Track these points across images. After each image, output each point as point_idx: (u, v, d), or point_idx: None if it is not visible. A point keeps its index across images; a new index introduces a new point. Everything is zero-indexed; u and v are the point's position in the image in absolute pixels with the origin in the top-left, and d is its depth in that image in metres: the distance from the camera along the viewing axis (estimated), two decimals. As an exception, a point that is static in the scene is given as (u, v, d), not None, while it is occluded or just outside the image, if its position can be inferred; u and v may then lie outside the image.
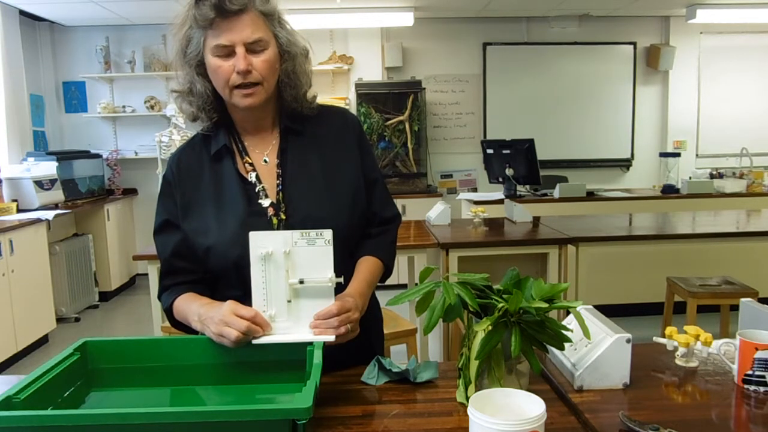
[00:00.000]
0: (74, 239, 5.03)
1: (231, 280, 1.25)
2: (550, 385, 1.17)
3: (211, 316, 1.12)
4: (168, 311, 1.31)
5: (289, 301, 1.13)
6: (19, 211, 4.41)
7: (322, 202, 1.27)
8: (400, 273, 4.38)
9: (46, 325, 4.29)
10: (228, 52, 1.19)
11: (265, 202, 1.26)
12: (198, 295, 1.26)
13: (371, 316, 1.38)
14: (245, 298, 1.14)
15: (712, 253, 4.20)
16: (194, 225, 1.27)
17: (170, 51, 1.31)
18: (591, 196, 4.70)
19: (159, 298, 1.33)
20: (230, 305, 1.11)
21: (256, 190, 1.27)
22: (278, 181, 1.28)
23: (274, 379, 1.15)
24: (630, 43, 6.22)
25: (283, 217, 1.26)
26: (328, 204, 1.27)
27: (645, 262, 4.29)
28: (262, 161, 1.31)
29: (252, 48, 1.19)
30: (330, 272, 1.11)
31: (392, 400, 1.13)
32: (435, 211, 3.73)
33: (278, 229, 1.24)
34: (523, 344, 1.01)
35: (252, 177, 1.28)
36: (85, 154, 5.54)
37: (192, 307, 1.22)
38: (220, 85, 1.22)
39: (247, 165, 1.30)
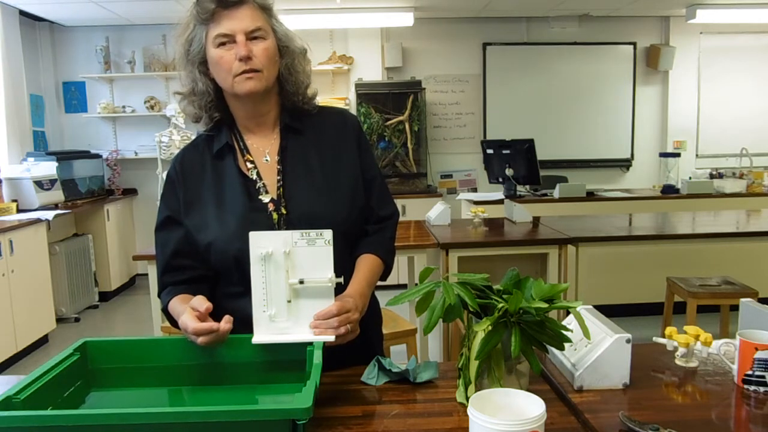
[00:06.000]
0: (74, 239, 5.03)
1: (232, 277, 1.27)
2: (550, 385, 1.17)
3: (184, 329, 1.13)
4: (165, 311, 1.31)
5: (289, 301, 1.13)
6: (19, 211, 4.41)
7: (322, 198, 1.29)
8: (400, 273, 4.38)
9: (46, 325, 4.29)
10: (229, 41, 1.22)
11: (266, 198, 1.28)
12: (191, 297, 1.26)
13: (371, 316, 1.38)
14: (246, 295, 1.15)
15: (712, 253, 4.20)
16: (196, 221, 1.29)
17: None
18: (591, 196, 4.70)
19: (159, 295, 1.34)
20: (188, 324, 1.10)
21: (257, 186, 1.29)
22: (279, 178, 1.30)
23: (274, 379, 1.15)
24: (630, 43, 6.22)
25: (284, 212, 1.27)
26: (328, 200, 1.29)
27: (645, 262, 4.29)
28: (263, 159, 1.33)
29: (252, 37, 1.23)
30: (330, 272, 1.12)
31: (392, 400, 1.13)
32: (435, 211, 3.73)
33: (279, 224, 1.26)
34: (523, 344, 1.01)
35: (253, 174, 1.30)
36: (85, 155, 5.54)
37: (178, 309, 1.23)
38: (222, 75, 1.24)
39: (248, 163, 1.32)
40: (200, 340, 1.10)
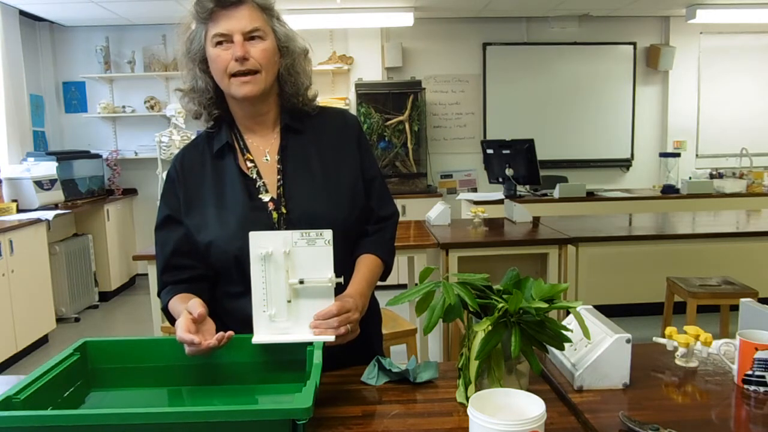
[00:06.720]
0: (74, 239, 5.03)
1: (232, 276, 1.27)
2: (550, 385, 1.17)
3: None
4: (165, 310, 1.32)
5: (289, 301, 1.13)
6: (19, 211, 4.41)
7: (322, 197, 1.29)
8: (400, 273, 4.38)
9: (46, 325, 4.29)
10: (227, 40, 1.22)
11: (266, 197, 1.28)
12: (191, 296, 1.26)
13: (371, 316, 1.38)
14: (246, 295, 1.15)
15: (712, 253, 4.20)
16: (196, 221, 1.29)
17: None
18: (591, 196, 4.70)
19: (158, 294, 1.34)
20: (177, 330, 1.10)
21: (257, 185, 1.29)
22: (279, 177, 1.31)
23: (274, 379, 1.15)
24: (630, 43, 6.22)
25: (283, 211, 1.27)
26: (328, 200, 1.29)
27: (645, 262, 4.29)
28: (263, 159, 1.33)
29: (250, 37, 1.23)
30: (330, 272, 1.12)
31: (392, 400, 1.13)
32: (435, 211, 3.73)
33: (279, 224, 1.26)
34: (523, 344, 1.01)
35: (253, 173, 1.30)
36: (85, 155, 5.54)
37: (177, 309, 1.22)
38: (218, 75, 1.25)
39: (248, 162, 1.32)
40: (186, 350, 1.09)
